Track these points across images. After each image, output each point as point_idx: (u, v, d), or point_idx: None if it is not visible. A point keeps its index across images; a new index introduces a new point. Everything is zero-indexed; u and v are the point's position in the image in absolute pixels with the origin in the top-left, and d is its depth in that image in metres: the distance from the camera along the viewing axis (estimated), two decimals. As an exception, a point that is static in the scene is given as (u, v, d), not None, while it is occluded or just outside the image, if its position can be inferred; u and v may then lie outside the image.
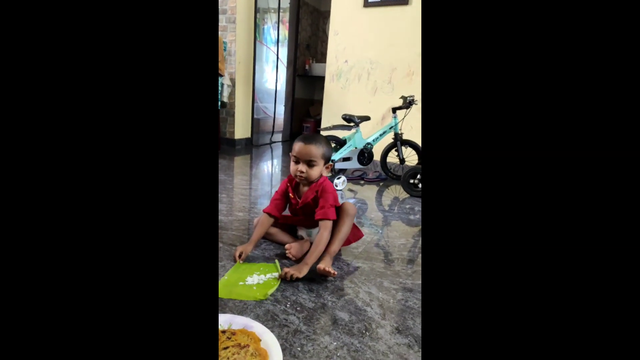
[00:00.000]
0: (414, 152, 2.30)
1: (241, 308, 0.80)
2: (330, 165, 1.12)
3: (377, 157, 2.43)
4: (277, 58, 3.61)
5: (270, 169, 2.62)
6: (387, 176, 2.43)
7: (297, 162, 1.07)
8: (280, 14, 3.52)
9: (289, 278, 0.93)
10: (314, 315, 0.80)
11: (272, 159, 3.03)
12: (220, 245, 1.15)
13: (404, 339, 0.74)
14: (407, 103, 2.14)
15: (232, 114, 3.21)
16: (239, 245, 1.08)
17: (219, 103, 2.99)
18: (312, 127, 4.21)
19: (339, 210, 1.08)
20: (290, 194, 1.15)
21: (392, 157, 2.34)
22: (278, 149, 3.49)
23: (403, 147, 2.25)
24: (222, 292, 0.86)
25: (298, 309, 0.82)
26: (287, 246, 1.07)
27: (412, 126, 2.44)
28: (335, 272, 0.95)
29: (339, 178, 2.09)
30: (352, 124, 2.19)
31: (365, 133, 2.36)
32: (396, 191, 2.13)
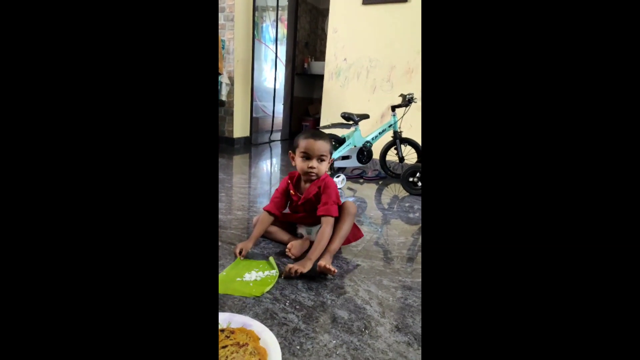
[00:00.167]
0: (413, 150, 2.30)
1: (240, 307, 0.80)
2: (332, 160, 1.12)
3: (376, 155, 2.42)
4: (276, 56, 3.60)
5: (269, 168, 2.61)
6: (387, 174, 2.43)
7: (307, 157, 1.07)
8: (279, 12, 3.51)
9: (294, 273, 0.93)
10: (313, 314, 0.79)
11: (271, 157, 3.03)
12: (219, 243, 1.14)
13: (403, 337, 0.73)
14: (407, 101, 2.13)
15: (231, 112, 3.20)
16: (239, 243, 1.08)
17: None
18: (311, 126, 4.21)
19: (340, 209, 1.08)
20: (292, 191, 1.15)
21: (392, 156, 2.33)
22: (277, 148, 3.49)
23: (402, 146, 2.25)
24: (219, 288, 0.86)
25: (297, 307, 0.81)
26: (288, 245, 1.07)
27: (411, 124, 2.43)
28: (336, 270, 0.95)
29: (338, 176, 2.08)
30: (351, 123, 2.19)
31: (365, 131, 2.36)
32: (395, 189, 2.13)
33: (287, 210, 1.22)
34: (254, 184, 2.02)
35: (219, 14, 2.98)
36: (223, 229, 1.27)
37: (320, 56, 4.38)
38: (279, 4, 3.48)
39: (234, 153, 2.98)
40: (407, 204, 1.81)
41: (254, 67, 3.27)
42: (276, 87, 3.69)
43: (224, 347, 0.63)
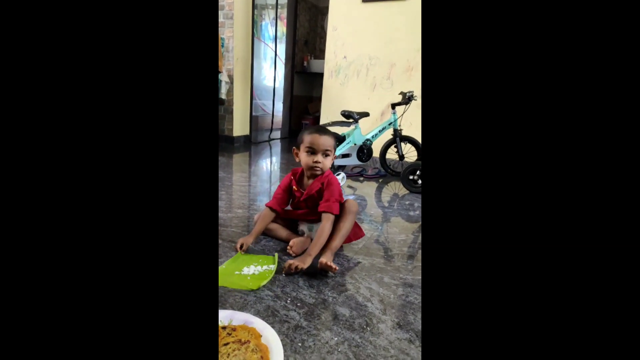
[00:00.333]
0: (413, 148, 2.30)
1: (242, 304, 0.80)
2: (335, 156, 1.13)
3: (376, 153, 2.42)
4: (275, 55, 3.59)
5: (269, 166, 2.61)
6: (387, 172, 2.43)
7: (312, 152, 1.08)
8: (278, 10, 3.49)
9: (294, 269, 0.93)
10: (314, 311, 0.79)
11: (270, 156, 3.02)
12: (219, 241, 1.14)
13: (405, 334, 0.73)
14: (407, 99, 2.13)
15: (231, 111, 3.19)
16: (241, 238, 1.09)
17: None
18: (311, 124, 4.20)
19: (342, 207, 1.08)
20: (294, 187, 1.15)
21: (392, 154, 2.33)
22: (277, 147, 3.48)
23: (402, 143, 2.25)
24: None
25: (298, 304, 0.81)
26: (290, 242, 1.07)
27: (411, 122, 2.43)
28: (337, 268, 0.95)
29: (338, 174, 2.08)
30: (351, 120, 2.19)
31: (365, 129, 2.36)
32: (395, 187, 2.13)
33: (289, 207, 1.22)
34: (254, 182, 2.01)
35: (219, 12, 2.97)
36: (223, 227, 1.27)
37: (320, 54, 4.37)
38: (279, 2, 3.46)
39: (234, 151, 2.97)
40: (407, 202, 1.81)
41: (253, 66, 3.26)
42: (276, 86, 3.68)
43: (225, 344, 0.63)
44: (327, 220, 1.04)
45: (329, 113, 2.89)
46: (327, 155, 1.09)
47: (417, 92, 2.25)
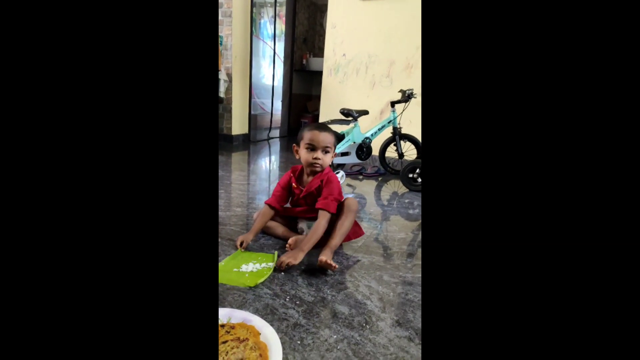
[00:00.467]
0: (412, 146, 2.30)
1: (240, 302, 0.80)
2: (335, 154, 1.13)
3: (375, 151, 2.42)
4: (274, 53, 3.58)
5: (268, 165, 2.61)
6: (386, 171, 2.42)
7: (312, 149, 1.08)
8: (277, 7, 3.48)
9: (284, 267, 0.93)
10: (313, 309, 0.79)
11: (269, 155, 3.02)
12: (219, 240, 1.14)
13: (404, 332, 0.73)
14: (406, 97, 2.13)
15: (229, 109, 3.18)
16: (240, 235, 1.09)
17: (216, 98, 2.97)
18: (310, 123, 4.19)
19: (342, 205, 1.08)
20: (294, 184, 1.15)
21: (391, 152, 2.33)
22: (276, 145, 3.48)
23: (402, 142, 2.24)
24: None
25: (297, 302, 0.81)
26: (289, 241, 1.07)
27: (410, 120, 2.43)
28: (336, 266, 0.94)
29: (337, 173, 2.08)
30: (350, 119, 2.18)
31: (364, 127, 2.35)
32: (395, 186, 2.13)
33: (288, 205, 1.22)
34: (253, 181, 2.01)
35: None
36: (222, 225, 1.27)
37: (319, 52, 4.36)
38: (277, 0, 3.45)
39: (233, 150, 2.96)
40: (406, 200, 1.81)
41: (252, 64, 3.25)
42: (274, 84, 3.68)
43: (224, 342, 0.63)
44: (323, 217, 1.04)
45: (328, 111, 2.88)
46: (327, 152, 1.09)
47: (417, 90, 2.24)
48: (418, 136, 2.27)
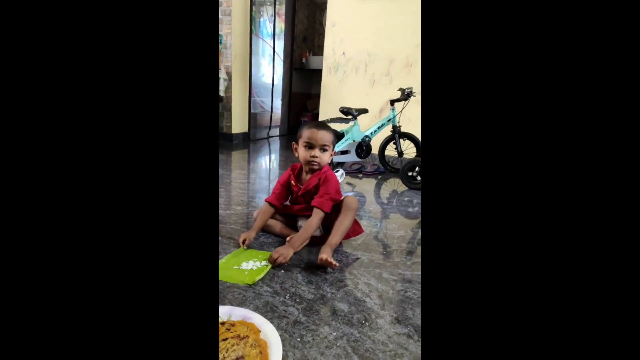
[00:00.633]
0: (412, 144, 2.30)
1: (240, 300, 0.80)
2: (334, 153, 1.13)
3: (375, 150, 2.42)
4: (274, 51, 3.57)
5: (267, 164, 2.61)
6: (386, 169, 2.43)
7: (310, 147, 1.08)
8: (276, 6, 3.47)
9: (276, 265, 0.95)
10: (313, 307, 0.79)
11: (269, 153, 3.02)
12: (218, 238, 1.14)
13: (403, 329, 0.74)
14: (405, 95, 2.13)
15: (229, 108, 3.18)
16: (243, 233, 1.10)
17: (216, 97, 2.97)
18: (309, 121, 4.19)
19: (341, 203, 1.08)
20: (292, 182, 1.16)
21: (391, 150, 2.33)
22: (275, 144, 3.48)
23: (401, 140, 2.25)
24: None
25: (297, 300, 0.82)
26: (287, 238, 1.08)
27: (410, 119, 2.43)
28: (336, 264, 0.95)
29: (337, 171, 2.08)
30: (350, 117, 2.18)
31: (363, 126, 2.35)
32: (394, 184, 2.13)
33: (288, 203, 1.22)
34: (253, 180, 2.01)
35: (216, 8, 2.95)
36: (222, 223, 1.27)
37: (319, 51, 4.36)
38: (277, -2, 3.45)
39: (233, 149, 2.97)
40: (406, 199, 1.81)
41: (251, 62, 3.25)
42: (274, 83, 3.67)
43: (224, 339, 0.63)
44: (316, 215, 1.04)
45: (327, 110, 2.88)
46: (324, 150, 1.09)
47: (416, 89, 2.24)
48: (417, 134, 2.27)
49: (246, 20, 3.13)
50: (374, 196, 1.87)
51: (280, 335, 0.67)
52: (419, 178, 1.95)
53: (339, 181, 2.06)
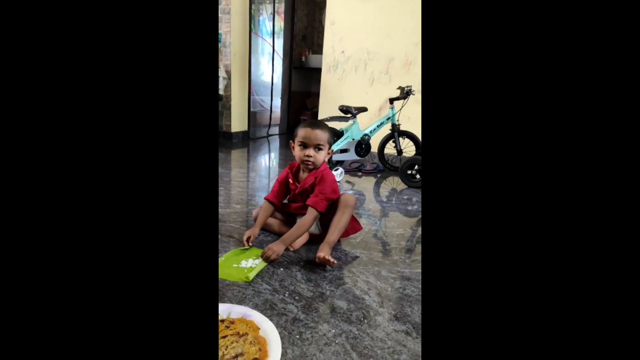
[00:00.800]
0: (411, 143, 2.30)
1: (240, 297, 0.81)
2: (332, 151, 1.13)
3: (374, 148, 2.42)
4: (273, 50, 3.57)
5: (267, 162, 2.61)
6: (385, 167, 2.43)
7: (304, 147, 1.08)
8: (276, 4, 3.46)
9: (270, 261, 0.96)
10: (312, 304, 0.80)
11: (269, 152, 3.02)
12: (218, 236, 1.15)
13: (402, 326, 0.74)
14: (405, 93, 2.12)
15: (229, 107, 3.18)
16: (247, 230, 1.10)
17: (215, 96, 2.96)
18: (309, 120, 4.18)
19: (338, 201, 1.08)
20: (290, 180, 1.16)
21: (390, 149, 2.33)
22: (275, 142, 3.48)
23: (400, 138, 2.25)
24: None
25: (296, 298, 0.82)
26: None
27: (409, 117, 2.43)
28: (335, 262, 0.95)
29: (336, 170, 2.08)
30: (349, 116, 2.18)
31: (363, 124, 2.35)
32: (394, 182, 2.13)
33: (286, 201, 1.23)
34: (252, 178, 2.02)
35: (215, 6, 2.94)
36: (222, 222, 1.28)
37: (318, 49, 4.35)
38: (276, -4, 3.43)
39: (232, 147, 2.97)
40: (405, 197, 1.81)
41: (251, 61, 3.24)
42: (274, 81, 3.67)
43: (224, 337, 0.64)
44: (311, 214, 1.05)
45: (327, 108, 2.88)
46: (319, 149, 1.09)
47: (416, 87, 2.24)
48: (417, 133, 2.27)
49: (245, 19, 3.12)
50: (373, 194, 1.88)
51: (280, 333, 0.68)
52: (418, 176, 1.96)
53: (339, 180, 2.06)
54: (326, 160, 1.14)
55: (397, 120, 2.23)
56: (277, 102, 3.85)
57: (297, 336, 0.69)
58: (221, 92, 3.04)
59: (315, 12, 4.51)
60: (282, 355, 0.63)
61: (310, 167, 1.11)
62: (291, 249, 1.07)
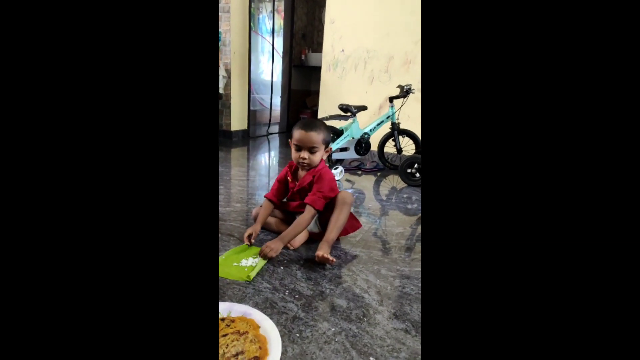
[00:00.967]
0: (411, 141, 2.30)
1: (240, 296, 0.81)
2: (330, 149, 1.13)
3: (374, 147, 2.42)
4: (273, 48, 3.56)
5: (267, 161, 2.61)
6: (385, 166, 2.43)
7: (299, 149, 1.08)
8: (275, 3, 3.46)
9: (267, 259, 0.96)
10: (312, 303, 0.80)
11: (269, 150, 3.02)
12: (218, 235, 1.15)
13: (401, 324, 0.74)
14: (404, 92, 2.12)
15: (228, 105, 3.18)
16: (249, 228, 1.10)
17: (215, 94, 2.96)
18: (308, 119, 4.17)
19: (336, 198, 1.09)
20: (289, 178, 1.16)
21: (390, 147, 2.33)
22: (275, 141, 3.48)
23: (400, 137, 2.25)
24: None
25: (296, 296, 0.82)
26: None
27: (409, 115, 2.42)
28: (334, 260, 0.96)
29: (336, 168, 2.08)
30: (349, 114, 2.18)
31: (363, 123, 2.35)
32: (394, 181, 2.14)
33: (285, 200, 1.23)
34: (252, 177, 2.02)
35: (215, 5, 2.93)
36: (222, 220, 1.28)
37: (318, 48, 4.34)
38: (275, -5, 3.42)
39: (232, 146, 2.97)
40: (405, 195, 1.81)
41: (250, 60, 3.23)
42: (273, 80, 3.66)
43: (224, 335, 0.64)
44: (308, 212, 1.05)
45: (326, 107, 2.88)
46: (314, 151, 1.07)
47: (415, 85, 2.24)
48: (416, 131, 2.27)
49: (245, 17, 3.12)
50: (373, 193, 1.88)
51: (280, 331, 0.68)
52: (417, 175, 1.96)
53: (339, 178, 2.06)
54: (325, 158, 1.14)
55: (397, 119, 2.23)
56: (277, 101, 3.85)
57: (297, 334, 0.69)
58: (221, 90, 3.04)
59: (315, 11, 4.50)
60: (282, 353, 0.63)
61: (307, 168, 1.11)
62: (291, 248, 1.07)
